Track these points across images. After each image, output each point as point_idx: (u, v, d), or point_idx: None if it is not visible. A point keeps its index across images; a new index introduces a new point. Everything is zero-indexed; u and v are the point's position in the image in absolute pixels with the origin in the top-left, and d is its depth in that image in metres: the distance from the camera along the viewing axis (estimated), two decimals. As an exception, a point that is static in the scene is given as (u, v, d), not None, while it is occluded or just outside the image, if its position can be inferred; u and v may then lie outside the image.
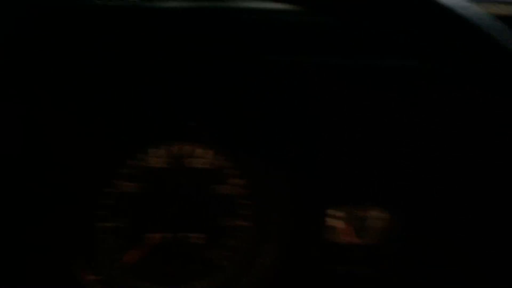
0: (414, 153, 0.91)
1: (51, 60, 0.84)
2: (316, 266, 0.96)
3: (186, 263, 0.99)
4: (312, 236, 0.96)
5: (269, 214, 0.98)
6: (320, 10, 0.60)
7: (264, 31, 0.86)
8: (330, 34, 0.86)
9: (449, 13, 0.48)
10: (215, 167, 0.97)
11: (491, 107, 0.85)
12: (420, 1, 0.49)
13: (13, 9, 0.75)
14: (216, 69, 0.88)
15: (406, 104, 0.89)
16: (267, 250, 0.98)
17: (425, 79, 0.86)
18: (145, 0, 0.86)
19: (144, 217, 0.97)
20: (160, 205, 0.97)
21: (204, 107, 0.92)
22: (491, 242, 0.92)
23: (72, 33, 0.83)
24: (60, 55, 0.84)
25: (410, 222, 0.94)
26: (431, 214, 0.93)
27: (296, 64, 0.88)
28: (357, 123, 0.91)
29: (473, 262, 0.93)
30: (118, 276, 0.97)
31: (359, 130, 0.91)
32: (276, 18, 0.87)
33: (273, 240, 0.97)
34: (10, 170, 0.86)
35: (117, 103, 0.89)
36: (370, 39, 0.82)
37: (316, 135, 0.91)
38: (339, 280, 0.95)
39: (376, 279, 0.96)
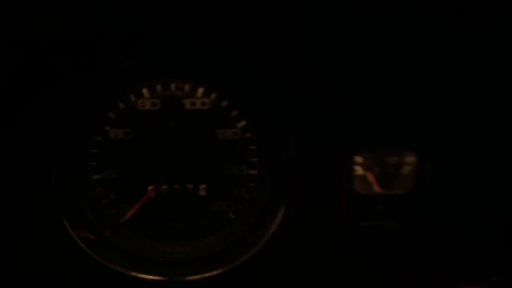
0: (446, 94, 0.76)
1: None
2: (335, 219, 0.83)
3: (191, 216, 0.89)
4: (331, 186, 0.82)
5: (279, 161, 0.86)
6: None
7: None
8: None
9: None
10: (216, 109, 0.85)
11: None
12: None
13: None
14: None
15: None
16: (279, 202, 0.86)
17: None
18: None
19: (141, 168, 0.87)
20: (156, 152, 0.86)
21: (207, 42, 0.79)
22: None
23: None
24: None
25: (440, 168, 0.79)
26: (461, 162, 0.77)
27: None
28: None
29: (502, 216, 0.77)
30: (118, 233, 0.89)
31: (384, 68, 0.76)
32: None
33: (287, 191, 0.84)
34: None
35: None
36: None
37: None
38: (359, 233, 0.82)
39: (400, 233, 0.82)
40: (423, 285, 0.81)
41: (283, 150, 0.84)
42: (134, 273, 0.84)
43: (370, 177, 0.81)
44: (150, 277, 0.84)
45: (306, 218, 0.83)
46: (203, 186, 0.88)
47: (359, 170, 0.81)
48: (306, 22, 0.75)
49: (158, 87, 0.85)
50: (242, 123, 0.86)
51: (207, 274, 0.85)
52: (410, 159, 0.81)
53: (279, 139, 0.84)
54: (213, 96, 0.86)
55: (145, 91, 0.85)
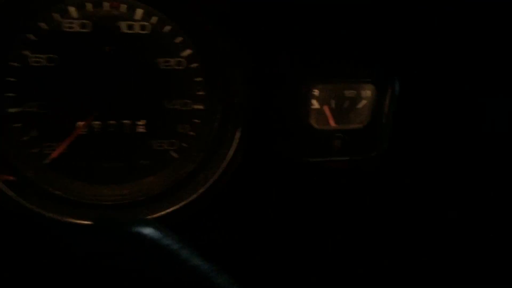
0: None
1: None
2: (289, 155, 0.78)
3: (128, 155, 0.80)
4: (286, 120, 0.77)
5: (229, 94, 0.79)
6: None
7: None
8: None
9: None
10: (156, 33, 0.75)
11: None
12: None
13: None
14: None
15: None
16: (227, 139, 0.79)
17: None
18: None
19: (68, 100, 0.75)
20: (86, 82, 0.75)
21: None
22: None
23: None
24: None
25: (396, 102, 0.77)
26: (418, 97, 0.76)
27: None
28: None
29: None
30: (43, 174, 0.77)
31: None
32: None
33: (236, 127, 0.78)
34: None
35: None
36: None
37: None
38: (313, 169, 0.79)
39: (352, 169, 0.80)
40: (373, 221, 0.81)
41: (233, 82, 0.77)
42: (62, 217, 0.74)
43: (327, 110, 0.77)
44: (80, 221, 0.75)
45: (256, 155, 0.78)
46: (142, 122, 0.79)
47: (315, 104, 0.77)
48: None
49: (89, 6, 0.72)
50: (187, 52, 0.77)
51: (148, 217, 0.77)
52: (367, 92, 0.78)
53: (229, 69, 0.77)
54: (154, 19, 0.75)
55: (72, 9, 0.72)
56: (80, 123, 0.76)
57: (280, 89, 0.74)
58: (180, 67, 0.78)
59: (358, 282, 0.82)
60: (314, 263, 0.81)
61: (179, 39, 0.76)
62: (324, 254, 0.81)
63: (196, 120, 0.81)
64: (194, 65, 0.78)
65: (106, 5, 0.73)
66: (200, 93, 0.80)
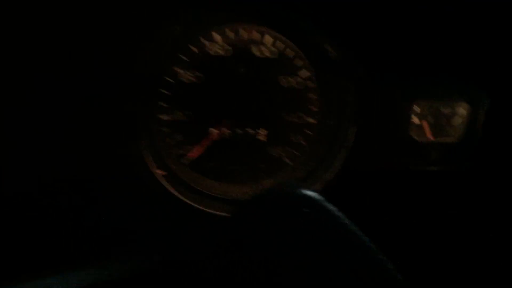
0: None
1: None
2: (391, 164, 0.90)
3: (250, 159, 0.94)
4: (389, 132, 0.89)
5: (338, 109, 0.92)
6: None
7: None
8: None
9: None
10: (282, 57, 0.90)
11: None
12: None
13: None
14: None
15: None
16: (335, 149, 0.92)
17: None
18: None
19: (207, 110, 0.91)
20: (222, 97, 0.90)
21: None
22: None
23: None
24: None
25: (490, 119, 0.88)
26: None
27: None
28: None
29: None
30: (183, 171, 0.92)
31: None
32: None
33: (343, 137, 0.91)
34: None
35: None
36: None
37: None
38: (412, 177, 0.90)
39: (449, 178, 0.91)
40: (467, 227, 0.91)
41: (345, 102, 0.91)
42: (202, 207, 0.88)
43: (425, 125, 0.89)
44: (215, 212, 0.89)
45: (363, 163, 0.90)
46: (263, 132, 0.93)
47: (415, 119, 0.89)
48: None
49: (229, 33, 0.89)
50: (306, 73, 0.92)
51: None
52: (461, 110, 0.90)
53: (341, 89, 0.91)
54: (280, 45, 0.90)
55: (216, 36, 0.88)
56: (214, 130, 0.91)
57: (386, 106, 0.87)
58: (299, 86, 0.92)
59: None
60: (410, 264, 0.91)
61: (300, 62, 0.91)
62: (421, 255, 0.91)
63: (309, 132, 0.95)
64: (311, 84, 0.92)
65: (243, 32, 0.89)
66: (315, 109, 0.94)
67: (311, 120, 0.94)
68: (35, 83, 0.77)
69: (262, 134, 0.93)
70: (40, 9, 0.74)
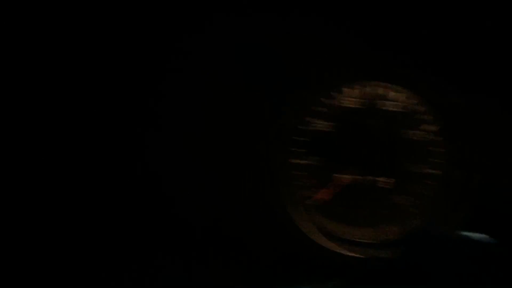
0: None
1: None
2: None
3: (374, 206, 1.00)
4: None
5: (461, 163, 0.95)
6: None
7: None
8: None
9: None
10: (408, 111, 0.97)
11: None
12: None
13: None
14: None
15: None
16: (456, 201, 0.95)
17: None
18: None
19: (335, 157, 0.99)
20: (351, 145, 0.98)
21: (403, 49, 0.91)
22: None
23: None
24: None
25: None
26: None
27: None
28: None
29: None
30: (308, 212, 1.01)
31: None
32: None
33: (465, 191, 0.93)
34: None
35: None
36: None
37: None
38: None
39: None
40: None
41: (470, 154, 0.94)
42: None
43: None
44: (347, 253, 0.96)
45: (486, 218, 0.91)
46: (388, 180, 0.99)
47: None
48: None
49: (357, 87, 0.97)
50: (432, 128, 0.97)
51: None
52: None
53: (467, 144, 0.94)
54: (404, 99, 0.97)
55: (346, 90, 0.98)
56: (343, 176, 0.99)
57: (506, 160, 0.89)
58: (426, 139, 0.97)
59: None
60: None
61: (429, 117, 0.97)
62: None
63: (433, 183, 0.98)
64: (438, 138, 0.97)
65: (372, 88, 0.98)
66: (439, 160, 0.97)
67: (436, 171, 0.98)
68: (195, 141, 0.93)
69: (386, 182, 0.99)
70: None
